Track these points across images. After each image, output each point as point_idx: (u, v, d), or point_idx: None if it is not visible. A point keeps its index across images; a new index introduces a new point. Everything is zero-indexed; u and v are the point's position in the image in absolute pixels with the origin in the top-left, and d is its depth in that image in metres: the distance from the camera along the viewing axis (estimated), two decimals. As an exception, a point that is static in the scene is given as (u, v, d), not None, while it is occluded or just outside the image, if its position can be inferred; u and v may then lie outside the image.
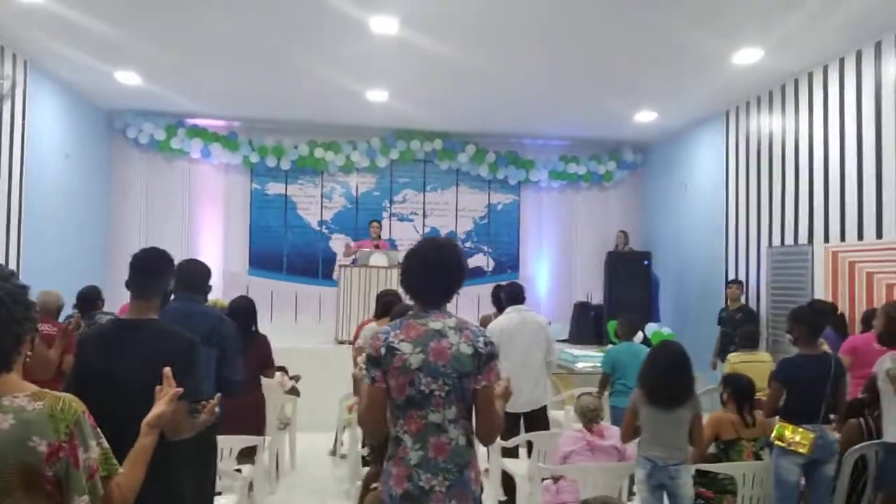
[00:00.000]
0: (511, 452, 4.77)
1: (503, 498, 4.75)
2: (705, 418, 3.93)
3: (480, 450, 4.64)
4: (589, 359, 7.14)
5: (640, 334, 7.13)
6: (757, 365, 5.04)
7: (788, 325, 3.99)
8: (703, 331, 7.74)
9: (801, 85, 6.88)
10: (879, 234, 5.75)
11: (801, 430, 3.68)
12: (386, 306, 4.81)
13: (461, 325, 2.26)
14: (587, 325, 9.30)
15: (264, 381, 4.79)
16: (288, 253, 9.87)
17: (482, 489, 2.32)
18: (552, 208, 10.49)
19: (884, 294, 5.54)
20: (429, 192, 10.22)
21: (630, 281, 9.21)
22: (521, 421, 4.84)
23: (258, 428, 4.37)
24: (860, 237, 5.99)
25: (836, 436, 3.90)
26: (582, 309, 9.62)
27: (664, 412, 3.58)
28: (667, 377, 3.60)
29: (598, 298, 9.77)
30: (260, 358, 4.59)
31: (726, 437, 4.05)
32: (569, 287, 10.24)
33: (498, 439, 4.59)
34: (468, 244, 10.21)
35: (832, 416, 3.97)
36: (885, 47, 5.72)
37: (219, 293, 7.13)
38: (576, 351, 7.65)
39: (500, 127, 9.65)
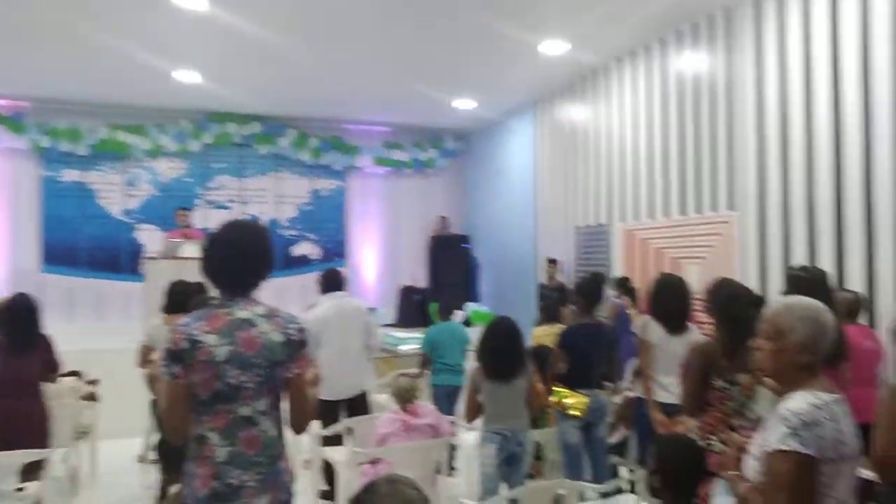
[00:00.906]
0: (333, 440, 4.71)
1: (325, 487, 4.69)
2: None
3: (303, 439, 4.57)
4: (413, 341, 7.25)
5: (459, 314, 7.38)
6: (551, 335, 5.35)
7: (572, 297, 4.32)
8: (519, 308, 8.18)
9: (600, 77, 7.44)
10: (666, 214, 6.39)
11: (575, 394, 3.97)
12: (178, 302, 4.31)
13: (271, 313, 2.16)
14: (413, 308, 9.46)
15: (52, 387, 4.30)
16: (88, 246, 8.95)
17: (293, 478, 2.25)
18: (378, 194, 10.51)
19: (671, 268, 6.16)
20: (247, 178, 9.77)
21: (451, 264, 9.52)
22: (343, 408, 4.80)
23: (41, 440, 3.91)
24: (651, 217, 6.62)
25: (616, 398, 4.27)
26: (407, 293, 9.76)
27: (504, 384, 3.73)
28: (503, 351, 3.77)
29: (423, 282, 9.97)
30: (41, 362, 4.10)
31: (536, 405, 4.30)
32: (395, 272, 10.33)
33: (317, 428, 4.55)
34: (292, 232, 9.93)
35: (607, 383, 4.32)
36: (671, 44, 6.34)
37: (5, 292, 6.31)
38: (400, 334, 7.74)
39: (322, 112, 9.46)
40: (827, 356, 3.10)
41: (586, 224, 7.73)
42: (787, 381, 1.88)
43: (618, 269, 6.98)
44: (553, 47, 6.65)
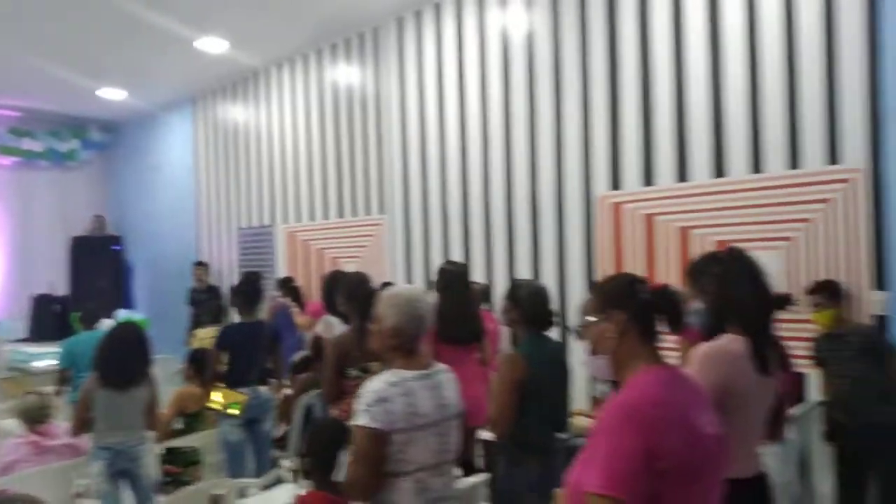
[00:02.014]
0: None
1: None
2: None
3: None
4: (50, 356, 6.40)
5: (108, 322, 6.75)
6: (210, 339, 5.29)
7: (231, 298, 4.35)
8: (180, 313, 7.79)
9: (261, 79, 7.49)
10: (326, 216, 6.73)
11: (233, 393, 4.03)
12: None
13: None
14: (49, 319, 8.29)
15: None
16: None
17: None
18: (3, 188, 8.97)
19: (332, 266, 6.50)
20: None
21: (99, 268, 8.60)
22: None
23: None
24: (311, 218, 6.90)
25: (280, 394, 4.42)
26: (43, 302, 8.52)
27: (121, 394, 3.50)
28: (121, 357, 3.54)
29: (63, 289, 8.82)
30: None
31: (191, 409, 4.21)
32: (27, 279, 8.91)
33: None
34: None
35: (272, 379, 4.44)
36: (327, 55, 6.70)
37: None
38: (33, 349, 6.79)
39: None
40: (462, 336, 3.68)
41: (250, 225, 7.71)
42: (387, 360, 2.17)
43: (282, 269, 7.13)
44: (210, 44, 6.50)
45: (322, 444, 2.43)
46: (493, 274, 5.26)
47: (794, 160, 3.81)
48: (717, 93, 4.09)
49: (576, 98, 4.74)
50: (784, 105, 3.84)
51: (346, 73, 6.51)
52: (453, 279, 3.82)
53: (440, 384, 2.16)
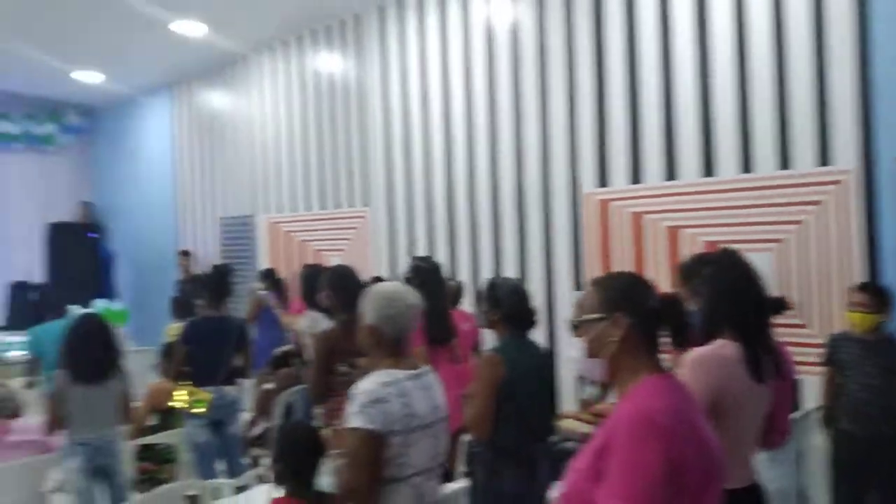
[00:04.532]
0: None
1: None
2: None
3: None
4: (24, 345, 6.25)
5: (75, 310, 6.60)
6: None
7: (198, 291, 4.22)
8: (162, 303, 7.64)
9: (240, 65, 7.32)
10: (309, 207, 6.62)
11: (198, 391, 3.91)
12: None
13: None
14: (26, 308, 8.11)
15: None
16: None
17: None
18: (-25, 172, 8.74)
19: (315, 259, 6.40)
20: None
21: (77, 256, 8.42)
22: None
23: None
24: (294, 209, 6.78)
25: (260, 388, 4.32)
26: (19, 290, 8.34)
27: (93, 388, 3.40)
28: (91, 350, 3.43)
29: (39, 277, 8.62)
30: None
31: (165, 405, 4.10)
32: (3, 266, 8.72)
33: None
34: None
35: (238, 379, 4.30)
36: (308, 43, 6.55)
37: None
38: (9, 338, 6.63)
39: None
40: (436, 335, 3.59)
41: (231, 215, 7.57)
42: (373, 359, 2.09)
43: (263, 261, 7.00)
44: (188, 28, 6.32)
45: (292, 449, 2.35)
46: (479, 270, 5.18)
47: (784, 161, 3.76)
48: (706, 90, 4.03)
49: (561, 92, 4.66)
50: (774, 105, 3.78)
51: (327, 61, 6.38)
52: (428, 276, 3.71)
53: (430, 385, 2.10)
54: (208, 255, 7.76)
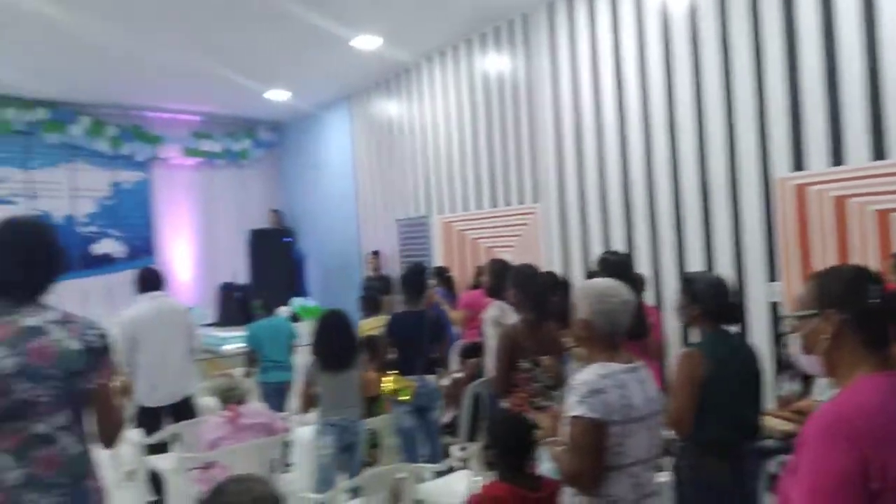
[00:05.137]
0: (157, 448, 4.50)
1: (153, 498, 4.47)
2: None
3: (124, 450, 4.31)
4: (236, 340, 7.04)
5: (285, 309, 7.30)
6: (379, 327, 5.52)
7: (397, 287, 4.52)
8: (347, 300, 8.25)
9: (412, 73, 7.70)
10: (479, 206, 6.83)
11: (403, 380, 4.19)
12: None
13: (65, 319, 1.99)
14: (234, 306, 9.13)
15: None
16: None
17: (104, 499, 2.10)
18: (188, 187, 9.94)
19: (486, 256, 6.61)
20: (34, 169, 8.74)
21: (274, 258, 9.31)
22: (167, 414, 4.59)
23: None
24: (465, 208, 7.02)
25: (445, 382, 4.53)
26: (227, 290, 9.40)
27: (340, 375, 3.80)
28: (337, 341, 3.84)
29: (244, 278, 9.65)
30: None
31: (370, 394, 4.44)
32: (213, 269, 9.86)
33: (140, 436, 4.32)
34: (92, 229, 9.08)
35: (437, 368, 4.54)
36: (476, 45, 6.74)
37: None
38: (222, 333, 7.49)
39: (120, 98, 8.72)
40: (629, 331, 3.58)
41: (407, 216, 7.99)
42: (588, 351, 2.17)
43: (438, 259, 7.32)
44: (365, 42, 6.76)
45: (504, 437, 2.48)
46: (660, 264, 5.07)
47: None
48: (923, 58, 3.65)
49: (747, 72, 4.43)
50: None
51: (496, 62, 6.52)
52: (617, 270, 3.68)
53: (645, 379, 2.15)
54: (388, 255, 8.25)
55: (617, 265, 3.65)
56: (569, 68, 5.73)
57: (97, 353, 2.01)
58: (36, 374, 1.89)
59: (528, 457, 2.43)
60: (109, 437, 2.09)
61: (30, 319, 1.94)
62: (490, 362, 4.35)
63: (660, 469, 2.46)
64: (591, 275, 3.71)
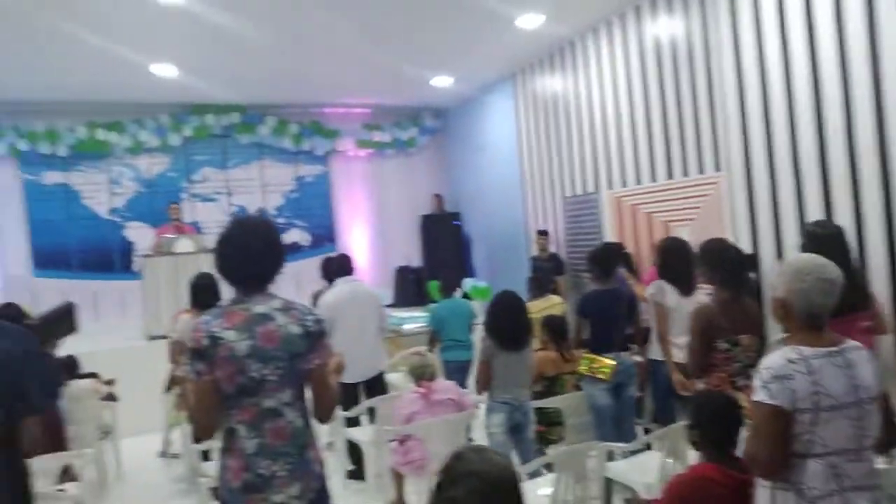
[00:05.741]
0: (353, 421, 4.86)
1: (351, 467, 4.84)
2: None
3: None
4: (415, 320, 7.39)
5: (459, 290, 7.52)
6: (552, 308, 5.49)
7: (587, 266, 4.47)
8: (512, 280, 8.34)
9: (577, 47, 7.53)
10: (654, 179, 6.57)
11: (601, 358, 4.15)
12: (207, 296, 4.33)
13: (287, 306, 2.23)
14: (409, 287, 9.58)
15: (76, 389, 4.39)
16: (78, 248, 8.91)
17: (324, 467, 2.33)
18: (362, 177, 10.55)
19: (662, 231, 6.36)
20: (231, 168, 9.74)
21: (444, 241, 9.63)
22: (361, 389, 4.94)
23: (57, 444, 3.99)
24: (638, 182, 6.79)
25: (637, 359, 4.45)
26: (402, 273, 9.87)
27: (514, 354, 3.88)
28: (512, 321, 3.92)
29: (416, 261, 10.08)
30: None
31: (550, 373, 4.48)
32: (387, 253, 10.42)
33: (339, 410, 4.68)
34: (281, 220, 9.94)
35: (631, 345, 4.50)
36: (646, 10, 6.46)
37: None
38: (402, 314, 7.87)
39: (300, 97, 9.44)
40: (848, 306, 3.29)
41: (574, 193, 7.88)
42: (787, 332, 2.06)
43: (609, 236, 7.16)
44: (529, 21, 6.71)
45: (708, 417, 2.40)
46: (866, 237, 4.59)
47: None
48: None
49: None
50: None
51: (668, 26, 6.19)
52: (827, 243, 3.35)
53: (852, 363, 1.97)
54: (556, 233, 8.21)
55: (826, 238, 3.34)
56: (751, 27, 5.29)
57: (315, 337, 2.22)
58: (265, 356, 2.13)
59: (734, 436, 2.34)
60: (325, 413, 2.30)
61: (259, 307, 2.18)
62: (655, 342, 4.23)
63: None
64: (801, 250, 3.41)
